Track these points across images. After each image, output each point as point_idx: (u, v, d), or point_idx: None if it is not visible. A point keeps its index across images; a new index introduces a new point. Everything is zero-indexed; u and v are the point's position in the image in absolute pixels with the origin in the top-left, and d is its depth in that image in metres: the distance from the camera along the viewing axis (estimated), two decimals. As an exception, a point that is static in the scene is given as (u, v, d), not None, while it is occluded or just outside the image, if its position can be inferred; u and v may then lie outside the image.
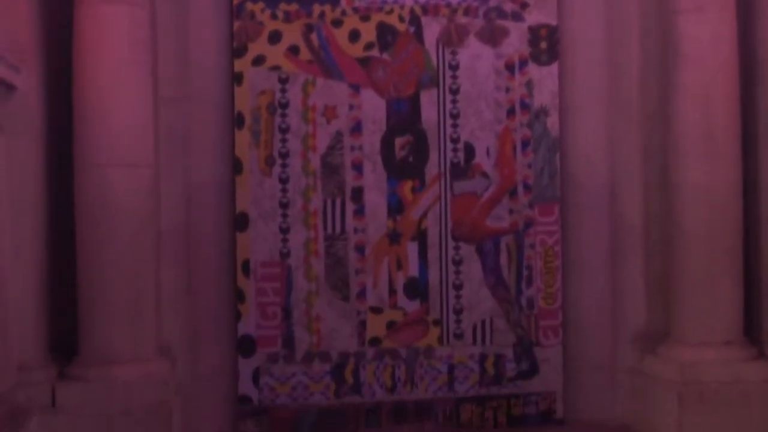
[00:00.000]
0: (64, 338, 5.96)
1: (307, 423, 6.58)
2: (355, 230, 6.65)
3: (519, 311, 6.75)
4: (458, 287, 6.72)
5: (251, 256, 6.54)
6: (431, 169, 6.70)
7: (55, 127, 5.95)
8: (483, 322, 6.73)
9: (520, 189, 6.76)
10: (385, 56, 6.68)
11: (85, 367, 5.81)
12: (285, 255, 6.58)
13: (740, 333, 6.26)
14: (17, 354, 5.59)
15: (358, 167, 6.66)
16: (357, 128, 6.66)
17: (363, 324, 6.64)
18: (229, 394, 6.57)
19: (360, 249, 6.65)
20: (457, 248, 6.71)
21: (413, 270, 6.68)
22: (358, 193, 6.65)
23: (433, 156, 6.70)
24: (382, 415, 6.65)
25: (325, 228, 6.63)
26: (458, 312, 6.72)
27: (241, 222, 6.53)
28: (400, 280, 6.67)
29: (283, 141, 6.58)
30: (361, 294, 6.65)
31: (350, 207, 6.65)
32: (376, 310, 6.65)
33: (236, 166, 6.53)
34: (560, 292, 6.78)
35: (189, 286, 6.45)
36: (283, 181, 6.60)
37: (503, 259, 6.75)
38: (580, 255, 6.82)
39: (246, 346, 6.53)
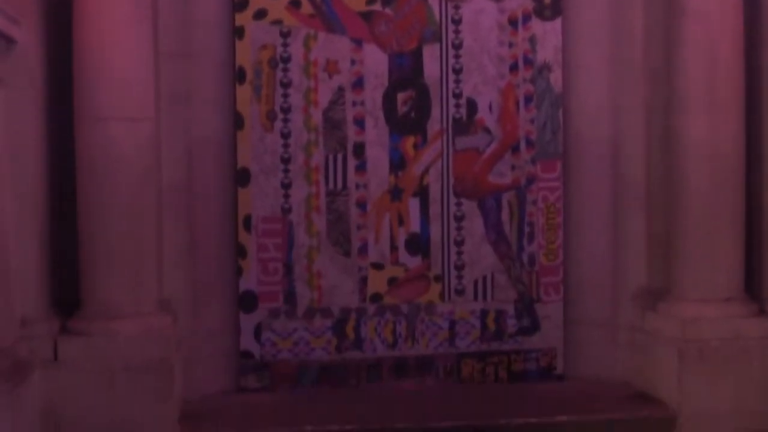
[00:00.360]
0: (67, 292, 5.96)
1: (308, 378, 6.60)
2: (357, 186, 6.63)
3: (520, 267, 6.75)
4: (460, 243, 6.71)
5: (252, 211, 6.52)
6: (433, 125, 6.67)
7: (56, 80, 5.92)
8: (484, 278, 6.74)
9: (523, 145, 6.73)
10: (388, 10, 6.61)
11: (87, 321, 5.81)
12: (286, 210, 6.57)
13: (741, 289, 6.27)
14: (19, 307, 5.61)
15: (359, 122, 6.63)
16: (359, 83, 6.62)
17: (364, 280, 6.64)
18: (230, 350, 6.58)
19: (361, 205, 6.64)
20: (458, 204, 6.70)
21: (415, 226, 6.67)
22: (359, 149, 6.62)
23: (435, 111, 6.67)
24: (383, 370, 6.66)
25: (326, 183, 6.61)
26: (459, 268, 6.71)
27: (242, 177, 6.51)
28: (401, 236, 6.67)
29: (285, 96, 6.53)
30: (363, 250, 6.64)
31: (352, 162, 6.63)
32: (378, 266, 6.65)
33: (237, 122, 6.50)
34: (561, 248, 6.78)
35: (190, 241, 6.44)
36: (285, 136, 6.56)
37: (505, 215, 6.74)
38: (581, 211, 6.81)
39: (247, 301, 6.53)
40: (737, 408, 6.06)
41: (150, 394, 5.73)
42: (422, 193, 6.67)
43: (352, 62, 6.61)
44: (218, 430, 5.92)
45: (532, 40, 6.71)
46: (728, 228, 6.20)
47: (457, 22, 6.66)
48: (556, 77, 6.72)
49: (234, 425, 5.99)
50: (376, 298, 6.65)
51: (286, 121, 6.54)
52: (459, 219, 6.70)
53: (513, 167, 6.73)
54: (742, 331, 6.14)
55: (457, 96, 6.68)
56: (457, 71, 6.67)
